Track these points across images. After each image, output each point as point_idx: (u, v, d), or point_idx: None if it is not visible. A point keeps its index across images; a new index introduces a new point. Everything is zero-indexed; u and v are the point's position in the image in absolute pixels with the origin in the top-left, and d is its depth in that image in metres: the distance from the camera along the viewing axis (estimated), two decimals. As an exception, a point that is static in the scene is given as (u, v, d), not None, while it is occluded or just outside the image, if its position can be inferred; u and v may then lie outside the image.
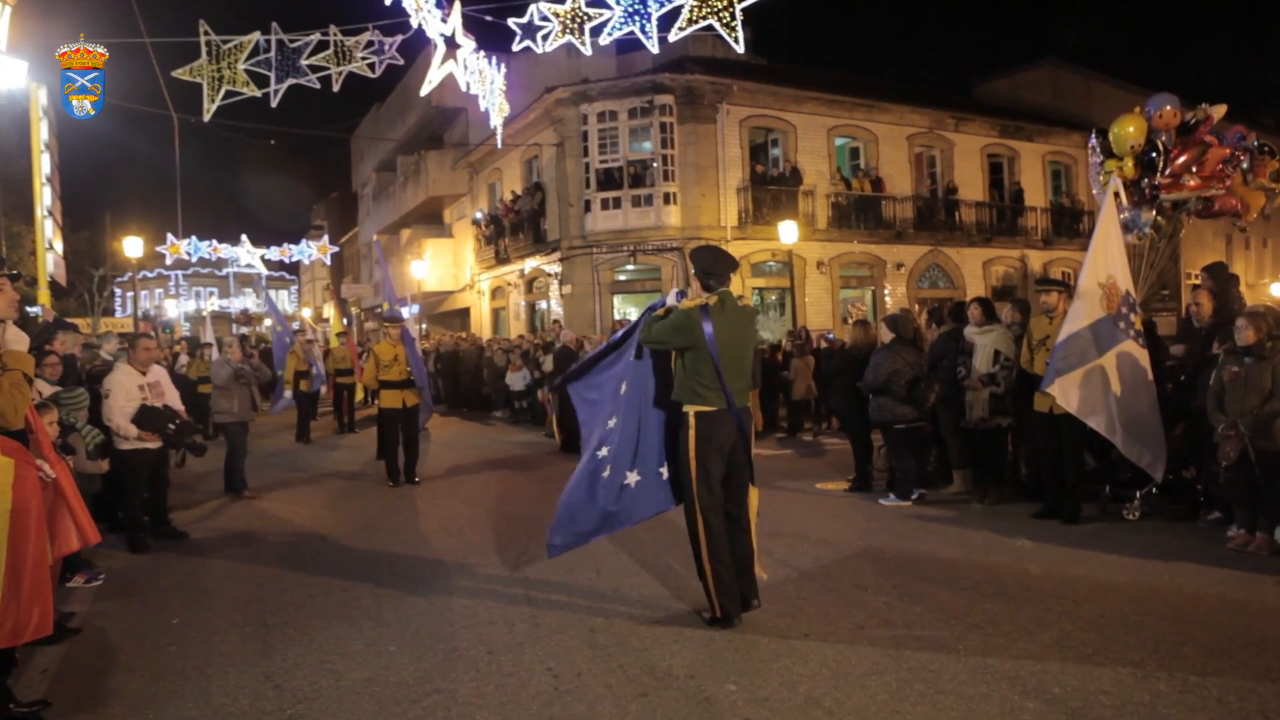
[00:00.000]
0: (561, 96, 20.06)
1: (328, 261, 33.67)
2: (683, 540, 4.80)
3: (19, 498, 3.49)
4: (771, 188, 20.52)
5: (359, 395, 16.60)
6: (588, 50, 9.74)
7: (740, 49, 9.39)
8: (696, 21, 8.87)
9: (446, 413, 18.36)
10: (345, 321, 23.92)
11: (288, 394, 13.78)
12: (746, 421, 4.60)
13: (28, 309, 13.73)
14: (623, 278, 20.78)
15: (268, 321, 50.97)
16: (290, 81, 10.18)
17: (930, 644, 4.18)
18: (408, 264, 27.40)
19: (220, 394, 9.12)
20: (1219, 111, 8.15)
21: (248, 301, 62.30)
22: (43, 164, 13.03)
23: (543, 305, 22.76)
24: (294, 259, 29.99)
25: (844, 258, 21.72)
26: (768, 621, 4.53)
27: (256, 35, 10.03)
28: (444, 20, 10.10)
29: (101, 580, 5.77)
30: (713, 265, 4.62)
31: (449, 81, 11.32)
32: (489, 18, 10.38)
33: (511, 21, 9.70)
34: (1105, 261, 6.61)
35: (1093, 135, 8.88)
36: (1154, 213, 8.39)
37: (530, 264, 22.61)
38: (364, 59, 10.28)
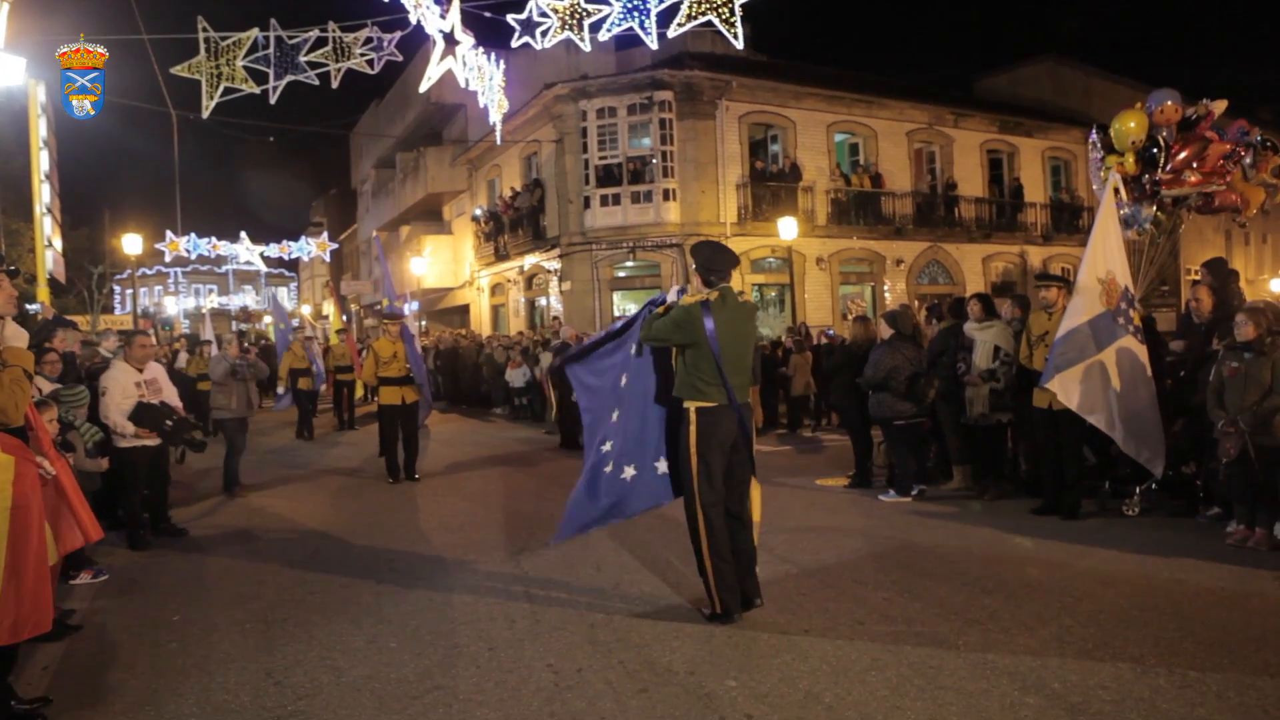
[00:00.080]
0: (561, 93, 20.04)
1: (327, 258, 33.66)
2: (683, 536, 4.81)
3: (19, 495, 3.49)
4: (771, 184, 20.51)
5: (359, 392, 16.61)
6: (587, 46, 9.72)
7: (739, 45, 9.37)
8: (696, 17, 8.85)
9: (446, 409, 18.36)
10: (345, 318, 23.91)
11: (280, 391, 13.81)
12: (747, 417, 4.59)
13: (27, 306, 13.73)
14: (622, 274, 20.77)
15: (267, 319, 50.99)
16: (289, 78, 10.15)
17: (930, 640, 4.18)
18: (407, 261, 27.39)
19: (219, 390, 9.13)
20: (1220, 107, 8.14)
21: (247, 299, 62.24)
22: (41, 161, 12.99)
23: (542, 302, 22.76)
24: (293, 256, 29.97)
25: (843, 254, 21.71)
26: (768, 617, 4.53)
27: (255, 32, 10.00)
28: (443, 16, 10.07)
29: (105, 577, 5.77)
30: (713, 261, 4.62)
31: (448, 78, 11.29)
32: (488, 14, 10.37)
33: (510, 17, 9.69)
34: (1104, 257, 6.61)
35: (1093, 131, 8.87)
36: (1154, 209, 8.39)
37: (530, 260, 22.61)
38: (363, 55, 10.26)
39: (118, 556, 6.38)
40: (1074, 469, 6.64)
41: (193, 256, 26.83)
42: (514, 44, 9.84)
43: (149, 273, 56.89)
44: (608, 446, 4.79)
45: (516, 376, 15.85)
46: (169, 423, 6.76)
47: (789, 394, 13.08)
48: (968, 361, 7.46)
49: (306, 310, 42.79)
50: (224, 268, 57.33)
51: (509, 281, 24.50)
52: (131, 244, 23.04)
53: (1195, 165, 8.02)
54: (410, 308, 19.83)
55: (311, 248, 29.41)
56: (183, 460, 10.68)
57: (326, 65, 10.18)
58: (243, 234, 27.97)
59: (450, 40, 10.51)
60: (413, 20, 9.92)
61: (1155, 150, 8.06)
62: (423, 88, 11.89)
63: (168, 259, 26.72)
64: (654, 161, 19.50)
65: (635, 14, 9.07)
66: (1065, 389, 6.28)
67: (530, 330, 20.34)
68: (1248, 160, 7.97)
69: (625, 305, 20.48)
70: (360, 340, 20.52)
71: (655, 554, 5.89)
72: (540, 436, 13.29)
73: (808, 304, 20.61)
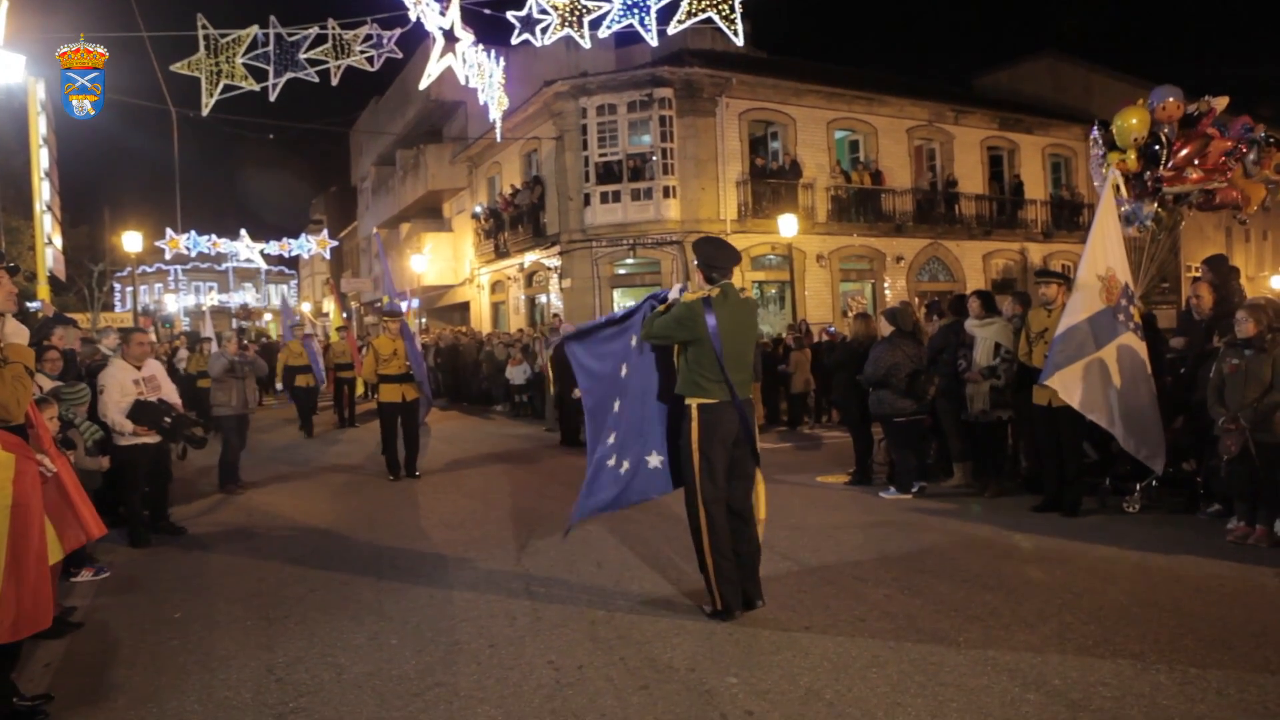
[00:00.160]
0: (560, 90, 20.02)
1: (327, 256, 33.64)
2: (684, 533, 4.81)
3: (20, 493, 3.49)
4: (771, 181, 20.49)
5: (359, 390, 16.63)
6: (586, 43, 9.72)
7: (739, 42, 9.36)
8: (696, 14, 8.85)
9: (447, 407, 18.37)
10: (345, 316, 23.92)
11: (279, 387, 13.84)
12: (749, 413, 4.59)
13: (27, 304, 13.72)
14: (622, 271, 20.76)
15: (268, 316, 50.93)
16: (289, 75, 10.15)
17: (931, 636, 4.19)
18: (407, 258, 27.38)
19: (218, 387, 9.13)
20: (1221, 103, 8.13)
21: (247, 296, 62.25)
22: (41, 158, 12.97)
23: (542, 299, 22.75)
24: (293, 253, 29.94)
25: (844, 251, 21.70)
26: (768, 614, 4.53)
27: (254, 29, 10.00)
28: (442, 14, 10.06)
29: (106, 574, 5.78)
30: (715, 257, 4.62)
31: (448, 75, 11.28)
32: (488, 11, 10.36)
33: (510, 15, 9.68)
34: (1104, 254, 6.60)
35: (1094, 128, 8.86)
36: (1155, 205, 8.38)
37: (530, 258, 22.60)
38: (362, 53, 10.25)
39: (119, 554, 6.40)
40: (1074, 466, 6.64)
41: (193, 254, 26.80)
42: (514, 41, 9.83)
43: (149, 270, 56.85)
44: (612, 439, 4.81)
45: (517, 374, 15.85)
46: (167, 420, 6.76)
47: (789, 391, 13.09)
48: (968, 358, 7.46)
49: (307, 308, 42.77)
50: (224, 265, 57.25)
51: (509, 279, 24.50)
52: (131, 241, 23.03)
53: (1197, 162, 8.02)
54: (410, 305, 19.86)
55: (312, 245, 29.38)
56: (184, 456, 10.68)
57: (326, 62, 10.17)
58: (243, 231, 27.95)
59: (450, 37, 10.51)
60: (412, 17, 9.92)
61: (1157, 147, 8.05)
62: (423, 85, 11.87)
63: (168, 256, 26.66)
64: (654, 158, 19.48)
65: (635, 11, 9.06)
66: (1065, 386, 6.28)
67: (530, 328, 20.34)
68: (1251, 157, 7.96)
69: (625, 302, 20.47)
70: (360, 338, 20.53)
71: (656, 551, 5.90)
72: (541, 434, 13.29)
73: (808, 301, 20.60)
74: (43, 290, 13.01)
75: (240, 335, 10.12)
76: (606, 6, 9.21)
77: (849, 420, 8.82)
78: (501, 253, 24.01)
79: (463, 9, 10.23)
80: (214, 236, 26.78)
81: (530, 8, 9.53)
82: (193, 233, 25.43)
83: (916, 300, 19.08)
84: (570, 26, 9.41)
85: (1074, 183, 25.56)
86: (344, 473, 10.20)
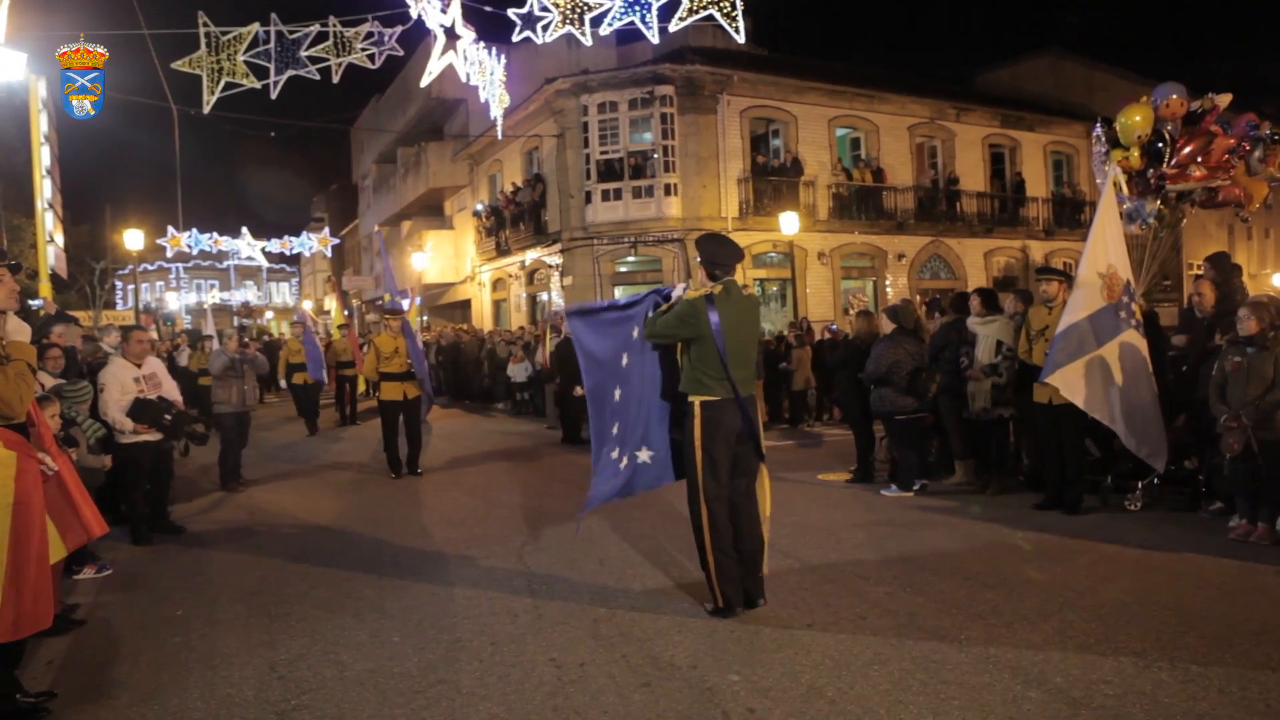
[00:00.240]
0: (562, 88, 20.00)
1: (328, 254, 33.65)
2: (686, 530, 4.81)
3: (21, 491, 3.49)
4: (772, 178, 20.47)
5: (360, 387, 16.64)
6: (588, 41, 9.71)
7: (741, 39, 9.35)
8: (697, 12, 8.85)
9: (448, 405, 18.38)
10: (346, 313, 23.90)
11: (281, 384, 13.87)
12: (752, 411, 4.59)
13: (29, 302, 13.73)
14: (624, 269, 20.75)
15: (269, 314, 50.92)
16: (290, 73, 10.15)
17: (932, 634, 4.19)
18: (408, 256, 27.38)
19: (218, 385, 9.14)
20: (1224, 101, 8.13)
21: (248, 294, 62.22)
22: (43, 156, 12.96)
23: (544, 297, 22.75)
24: (294, 251, 29.89)
25: (845, 249, 21.68)
26: (770, 612, 4.53)
27: (255, 27, 10.00)
28: (444, 11, 10.06)
29: (109, 572, 5.79)
30: (717, 254, 4.61)
31: (449, 73, 11.28)
32: (489, 8, 10.38)
33: (511, 12, 9.67)
34: (1105, 251, 6.59)
35: (1097, 125, 8.85)
36: (1157, 203, 8.37)
37: (531, 255, 22.60)
38: (363, 50, 10.26)
39: (121, 551, 6.40)
40: (1075, 464, 6.64)
41: (194, 252, 26.77)
42: (515, 38, 9.83)
43: (150, 268, 56.79)
44: (615, 429, 4.82)
45: (518, 371, 15.85)
46: (167, 417, 6.76)
47: (790, 389, 13.09)
48: (970, 356, 7.46)
49: (308, 306, 42.77)
50: (225, 263, 57.22)
51: (510, 276, 24.49)
52: (133, 239, 23.02)
53: (1200, 160, 8.00)
54: (415, 302, 19.80)
55: (313, 243, 29.37)
56: (186, 453, 10.68)
57: (327, 60, 10.18)
58: (244, 229, 27.91)
59: (451, 35, 10.50)
60: (414, 15, 9.92)
61: (1160, 145, 8.04)
62: (424, 83, 11.87)
63: (169, 254, 26.60)
64: (655, 156, 19.47)
65: (636, 8, 9.06)
66: (1066, 383, 6.28)
67: (532, 325, 20.33)
68: (1256, 154, 7.95)
69: (626, 300, 20.46)
70: (362, 335, 20.54)
71: (658, 548, 5.90)
72: (542, 431, 13.30)
73: (809, 299, 20.59)
74: (44, 288, 13.01)
75: (241, 333, 10.11)
76: (608, 4, 9.20)
77: (850, 418, 8.82)
78: (503, 250, 24.01)
79: (464, 6, 10.23)
80: (215, 234, 26.75)
81: (531, 5, 9.52)
82: (194, 230, 25.41)
83: (918, 298, 19.05)
84: (571, 24, 9.40)
85: (1075, 180, 25.53)
86: (346, 470, 10.21)
